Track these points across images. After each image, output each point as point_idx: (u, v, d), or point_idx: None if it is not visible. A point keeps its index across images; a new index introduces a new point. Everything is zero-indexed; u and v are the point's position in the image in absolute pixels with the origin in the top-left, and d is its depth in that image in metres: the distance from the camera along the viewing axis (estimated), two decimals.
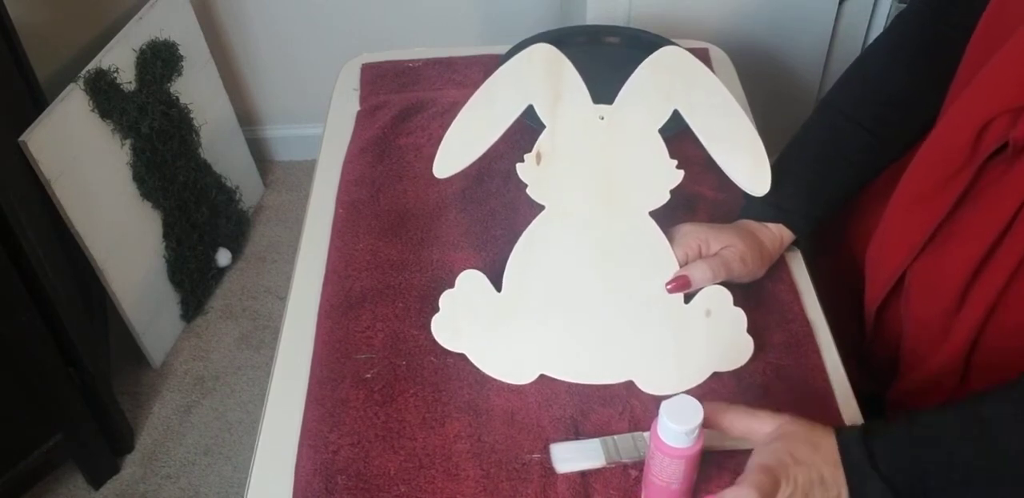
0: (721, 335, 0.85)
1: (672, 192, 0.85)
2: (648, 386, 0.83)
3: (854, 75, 0.98)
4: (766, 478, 0.69)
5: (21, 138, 1.38)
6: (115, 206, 1.60)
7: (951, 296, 0.80)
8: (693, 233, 0.87)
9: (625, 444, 0.78)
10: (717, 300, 0.85)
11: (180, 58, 1.75)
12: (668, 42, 1.18)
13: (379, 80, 1.21)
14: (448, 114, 1.12)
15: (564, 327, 0.85)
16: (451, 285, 0.86)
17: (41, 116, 1.43)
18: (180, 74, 1.75)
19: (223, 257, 1.89)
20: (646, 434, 0.78)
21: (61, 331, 1.39)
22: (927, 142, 0.84)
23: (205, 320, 1.86)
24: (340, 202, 1.03)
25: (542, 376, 0.84)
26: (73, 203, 1.48)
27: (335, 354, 0.87)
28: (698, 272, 0.84)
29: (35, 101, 1.59)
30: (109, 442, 1.56)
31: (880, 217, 0.89)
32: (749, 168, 0.87)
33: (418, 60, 1.23)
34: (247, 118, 2.12)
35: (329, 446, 0.80)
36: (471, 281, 0.86)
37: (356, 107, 1.17)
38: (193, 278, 1.80)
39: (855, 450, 0.70)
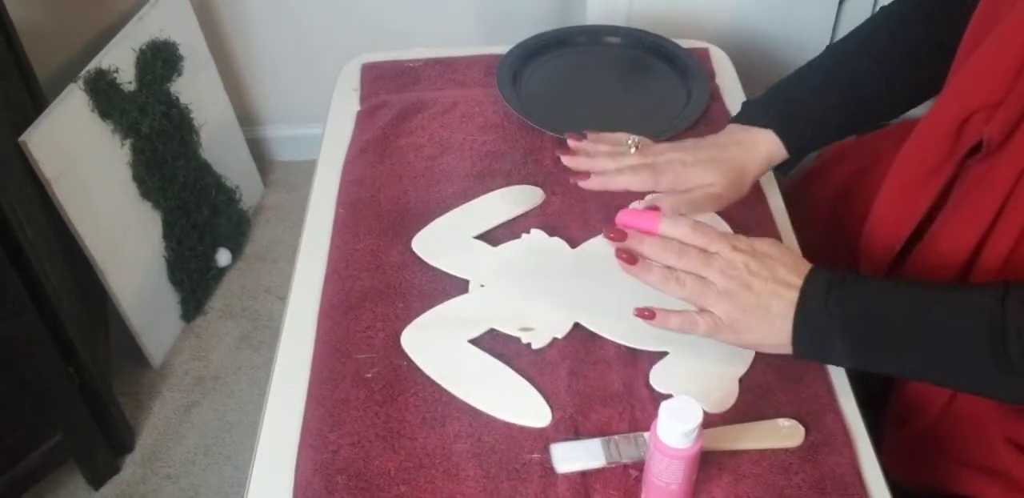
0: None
1: None
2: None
3: (876, 25, 0.98)
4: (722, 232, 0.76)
5: (21, 138, 1.38)
6: (115, 206, 1.60)
7: None
8: (670, 165, 0.87)
9: (625, 444, 0.78)
10: None
11: (180, 58, 1.75)
12: (668, 42, 1.18)
13: (379, 80, 1.21)
14: (448, 114, 1.12)
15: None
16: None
17: (41, 116, 1.43)
18: (180, 74, 1.75)
19: (223, 257, 1.89)
20: (646, 434, 0.78)
21: (61, 331, 1.39)
22: (913, 134, 0.85)
23: (205, 320, 1.86)
24: (340, 202, 1.03)
25: (542, 376, 0.84)
26: (73, 203, 1.48)
27: (335, 354, 0.87)
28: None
29: (35, 101, 1.59)
30: (109, 442, 1.56)
31: (870, 204, 0.89)
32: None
33: (418, 60, 1.23)
34: (247, 118, 2.12)
35: (329, 446, 0.80)
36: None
37: (356, 107, 1.17)
38: (193, 278, 1.80)
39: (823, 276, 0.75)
